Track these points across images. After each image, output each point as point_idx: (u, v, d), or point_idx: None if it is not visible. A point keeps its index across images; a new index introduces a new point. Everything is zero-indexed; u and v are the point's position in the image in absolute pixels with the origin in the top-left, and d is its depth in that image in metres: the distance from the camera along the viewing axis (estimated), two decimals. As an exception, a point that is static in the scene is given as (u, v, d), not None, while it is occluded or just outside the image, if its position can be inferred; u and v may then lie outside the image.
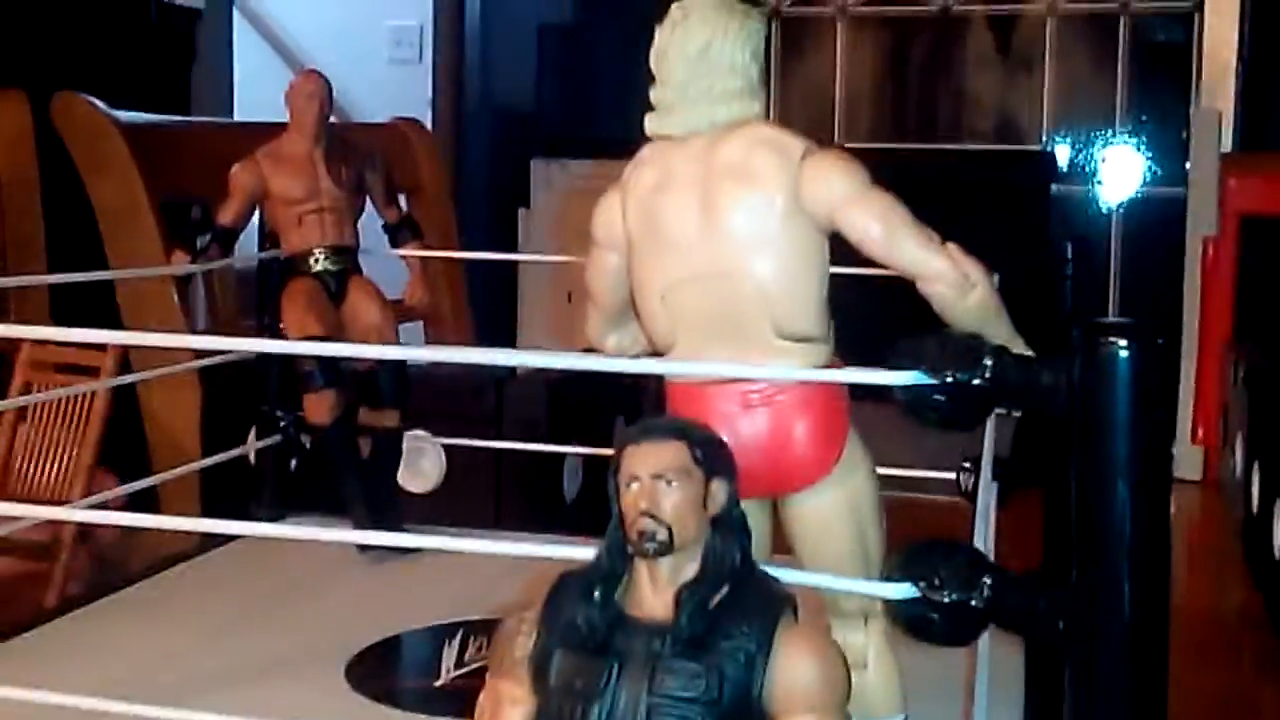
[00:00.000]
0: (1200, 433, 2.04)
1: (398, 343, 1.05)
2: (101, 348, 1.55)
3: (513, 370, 1.80)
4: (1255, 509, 1.50)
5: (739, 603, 0.40)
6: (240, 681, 0.58)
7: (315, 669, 0.78)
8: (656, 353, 0.53)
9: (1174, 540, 1.55)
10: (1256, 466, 1.52)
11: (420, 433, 1.14)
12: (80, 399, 1.57)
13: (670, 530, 0.40)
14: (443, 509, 1.24)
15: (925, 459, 0.93)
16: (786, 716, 0.39)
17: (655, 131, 0.53)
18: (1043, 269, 0.92)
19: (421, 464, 1.22)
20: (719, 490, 0.42)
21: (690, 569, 0.41)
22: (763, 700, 0.39)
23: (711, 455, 0.42)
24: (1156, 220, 2.35)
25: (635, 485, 0.40)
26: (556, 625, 0.41)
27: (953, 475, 0.96)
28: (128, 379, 1.36)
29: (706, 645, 0.39)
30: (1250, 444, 1.59)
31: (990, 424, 0.84)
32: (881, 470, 0.57)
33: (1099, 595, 0.43)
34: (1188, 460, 2.01)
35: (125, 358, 1.64)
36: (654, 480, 0.40)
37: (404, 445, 1.09)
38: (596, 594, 0.41)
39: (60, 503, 1.43)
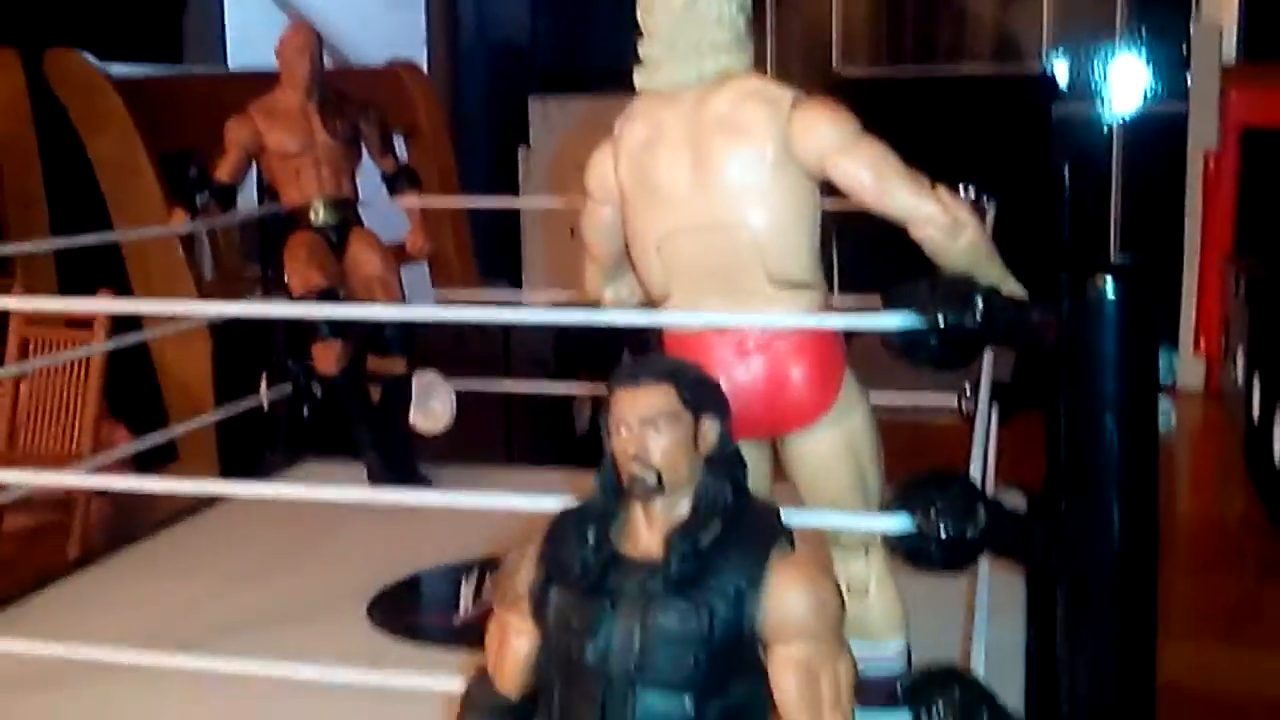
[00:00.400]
0: (1202, 344, 2.05)
1: (401, 291, 1.06)
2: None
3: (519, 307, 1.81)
4: (1256, 419, 1.52)
5: (732, 539, 0.41)
6: (263, 626, 0.60)
7: (337, 611, 0.80)
8: (653, 303, 0.54)
9: (1176, 451, 1.57)
10: (1257, 377, 1.53)
11: (430, 373, 1.15)
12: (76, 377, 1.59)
13: (660, 474, 0.41)
14: (455, 447, 1.26)
15: (928, 383, 0.94)
16: (781, 645, 0.40)
17: (644, 86, 0.54)
18: (1044, 191, 0.92)
19: (432, 404, 1.24)
20: (709, 429, 0.42)
21: (683, 507, 0.41)
22: (756, 632, 0.40)
23: (700, 395, 0.42)
24: (1158, 136, 2.33)
25: (624, 431, 0.41)
26: (554, 562, 0.42)
27: (954, 399, 0.97)
28: (134, 337, 1.37)
29: (698, 583, 0.40)
30: (1251, 355, 1.60)
31: (988, 354, 0.86)
32: (884, 396, 0.58)
33: (1089, 526, 0.45)
34: (1190, 371, 2.02)
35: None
36: (643, 426, 0.41)
37: (414, 386, 1.11)
38: (591, 534, 0.42)
39: (70, 458, 1.45)
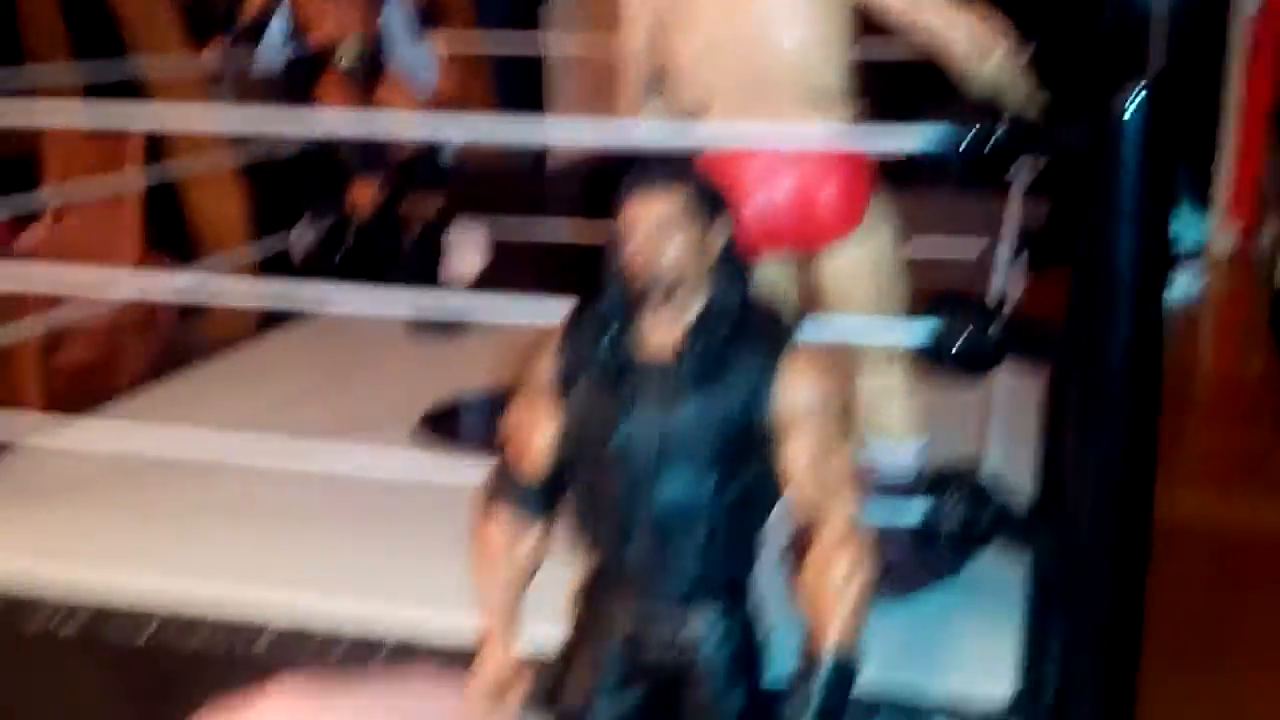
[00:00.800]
0: (1236, 208, 2.03)
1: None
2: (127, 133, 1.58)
3: (546, 159, 1.80)
4: (1282, 280, 1.52)
5: (743, 336, 0.43)
6: (316, 441, 0.64)
7: (382, 429, 0.84)
8: (690, 118, 0.55)
9: (1202, 314, 1.59)
10: (1287, 238, 1.53)
11: (464, 222, 1.17)
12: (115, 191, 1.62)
13: (672, 275, 0.42)
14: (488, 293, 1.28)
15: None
16: (792, 430, 0.43)
17: None
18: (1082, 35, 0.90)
19: (464, 252, 1.26)
20: (717, 232, 0.43)
21: (695, 305, 0.43)
22: (768, 420, 0.43)
23: (709, 198, 0.43)
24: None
25: (637, 237, 0.42)
26: (574, 360, 0.44)
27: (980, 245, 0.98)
28: (168, 169, 1.38)
29: (713, 377, 0.42)
30: (1283, 217, 1.59)
31: (1016, 191, 0.87)
32: (911, 246, 0.60)
33: (1097, 325, 0.47)
34: (1222, 236, 2.01)
35: (159, 151, 1.67)
36: (655, 232, 0.42)
37: (448, 236, 1.13)
38: (609, 335, 0.43)
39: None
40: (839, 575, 0.45)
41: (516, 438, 0.47)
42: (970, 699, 0.49)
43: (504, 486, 0.47)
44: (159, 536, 0.66)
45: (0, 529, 0.66)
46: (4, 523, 0.68)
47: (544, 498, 0.47)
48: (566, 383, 0.45)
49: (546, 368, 0.46)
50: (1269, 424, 1.35)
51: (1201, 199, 2.09)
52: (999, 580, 0.61)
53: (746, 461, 0.45)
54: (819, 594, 0.45)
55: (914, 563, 0.60)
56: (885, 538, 0.61)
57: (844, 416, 0.46)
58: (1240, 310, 1.82)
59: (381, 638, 0.55)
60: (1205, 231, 2.06)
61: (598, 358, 0.44)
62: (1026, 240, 0.90)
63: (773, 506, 0.46)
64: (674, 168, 0.45)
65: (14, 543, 0.63)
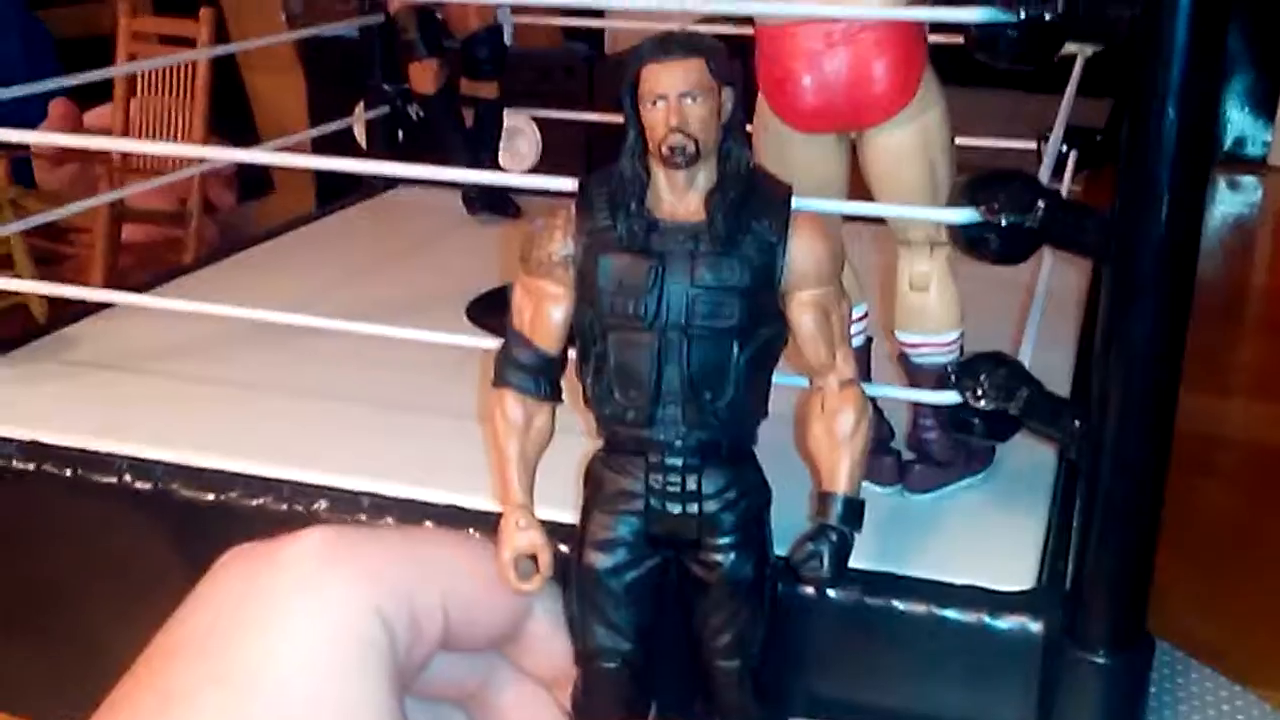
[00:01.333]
0: (1300, 119, 1.99)
1: (493, 14, 1.08)
2: (195, 19, 1.60)
3: (602, 50, 1.80)
4: (1344, 192, 1.49)
5: (754, 200, 0.45)
6: (367, 318, 0.66)
7: (437, 308, 0.87)
8: (747, -4, 0.56)
9: (1259, 227, 1.58)
10: (1352, 150, 1.50)
11: (518, 114, 1.19)
12: (184, 71, 1.64)
13: (697, 143, 0.43)
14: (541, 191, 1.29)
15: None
16: (799, 290, 0.45)
17: None
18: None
19: (518, 144, 1.27)
20: (728, 98, 0.44)
21: (705, 174, 0.44)
22: (781, 280, 0.45)
23: (722, 65, 0.44)
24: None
25: (661, 103, 0.43)
26: (593, 229, 0.44)
27: (1033, 145, 0.98)
28: (228, 49, 1.41)
29: (736, 241, 0.44)
30: (1349, 127, 1.56)
31: (1068, 97, 0.87)
32: (961, 140, 0.61)
33: (1138, 215, 0.48)
34: (1281, 147, 1.97)
35: (225, 35, 1.70)
36: (680, 98, 0.43)
37: (503, 126, 1.14)
38: (631, 204, 0.44)
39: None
40: (845, 426, 0.47)
41: (525, 314, 0.47)
42: (991, 587, 0.51)
43: (514, 363, 0.48)
44: (219, 411, 0.69)
45: (63, 401, 0.69)
46: (66, 395, 0.71)
47: (554, 374, 0.48)
48: (588, 252, 0.45)
49: (558, 242, 0.46)
50: (1319, 336, 1.35)
51: (1266, 108, 2.05)
52: (1028, 476, 0.63)
53: (761, 322, 0.46)
54: (826, 444, 0.47)
55: (945, 454, 0.62)
56: (916, 429, 0.63)
57: (840, 275, 0.48)
58: (1298, 223, 1.79)
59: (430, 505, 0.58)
60: (1265, 142, 2.02)
61: (623, 221, 0.45)
62: (1079, 137, 0.90)
63: (776, 363, 0.48)
64: (690, 35, 0.45)
65: (78, 414, 0.67)
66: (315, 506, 0.60)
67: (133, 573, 0.63)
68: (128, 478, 0.62)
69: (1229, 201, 1.82)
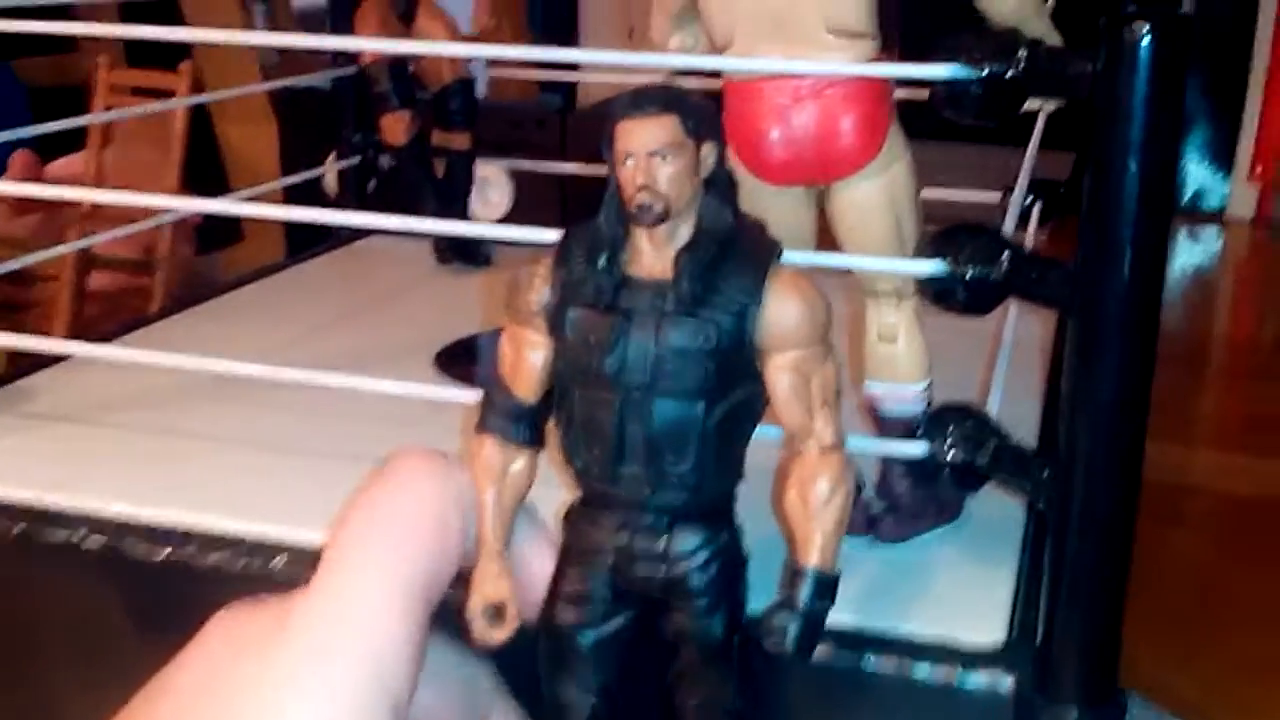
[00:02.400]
0: (1258, 170, 2.02)
1: (466, 67, 1.08)
2: (175, 72, 1.60)
3: (574, 102, 1.82)
4: (1304, 244, 1.52)
5: (732, 257, 0.43)
6: (334, 368, 0.66)
7: (405, 359, 0.87)
8: (716, 51, 0.57)
9: (1219, 277, 1.60)
10: (1310, 202, 1.53)
11: (490, 164, 1.19)
12: (160, 122, 1.64)
13: (667, 201, 0.42)
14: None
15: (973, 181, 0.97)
16: (776, 352, 0.44)
17: None
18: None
19: (490, 193, 1.28)
20: (709, 154, 0.43)
21: (686, 229, 0.44)
22: (755, 342, 0.43)
23: (701, 121, 0.43)
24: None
25: (630, 161, 0.42)
26: (568, 281, 0.44)
27: (997, 195, 0.99)
28: (204, 98, 1.41)
29: (705, 300, 0.43)
30: (1307, 180, 1.59)
31: (1032, 149, 0.88)
32: (927, 192, 0.61)
33: (1100, 268, 0.48)
34: (1242, 198, 2.01)
35: (201, 86, 1.70)
36: (649, 157, 0.42)
37: (475, 175, 1.14)
38: (602, 258, 0.43)
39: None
40: (820, 494, 0.45)
41: (507, 360, 0.47)
42: (961, 642, 0.51)
43: (495, 409, 0.47)
44: (177, 466, 0.68)
45: (17, 455, 0.68)
46: (20, 449, 0.70)
47: (535, 420, 0.47)
48: (561, 304, 0.45)
49: (538, 290, 0.46)
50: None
51: (1224, 160, 2.09)
52: (998, 527, 0.62)
53: (734, 383, 0.45)
54: (800, 513, 0.46)
55: (915, 505, 0.62)
56: (886, 479, 0.63)
57: (826, 335, 0.46)
58: (1256, 272, 1.82)
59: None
60: (1224, 194, 2.06)
61: (594, 276, 0.44)
62: (1043, 189, 0.91)
63: (756, 424, 0.47)
64: (666, 91, 0.44)
65: (32, 468, 0.65)
66: (274, 563, 0.59)
67: (87, 633, 0.61)
68: (81, 533, 0.61)
69: (1189, 252, 1.85)
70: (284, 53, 2.30)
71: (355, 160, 1.15)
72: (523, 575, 0.47)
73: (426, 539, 0.43)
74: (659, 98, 0.44)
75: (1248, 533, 0.99)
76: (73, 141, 2.02)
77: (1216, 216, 2.04)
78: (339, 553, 0.42)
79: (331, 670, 0.37)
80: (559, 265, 0.46)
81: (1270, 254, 1.82)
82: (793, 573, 0.46)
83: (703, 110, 0.45)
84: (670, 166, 0.43)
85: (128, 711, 0.37)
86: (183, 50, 1.97)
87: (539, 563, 0.47)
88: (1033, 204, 0.91)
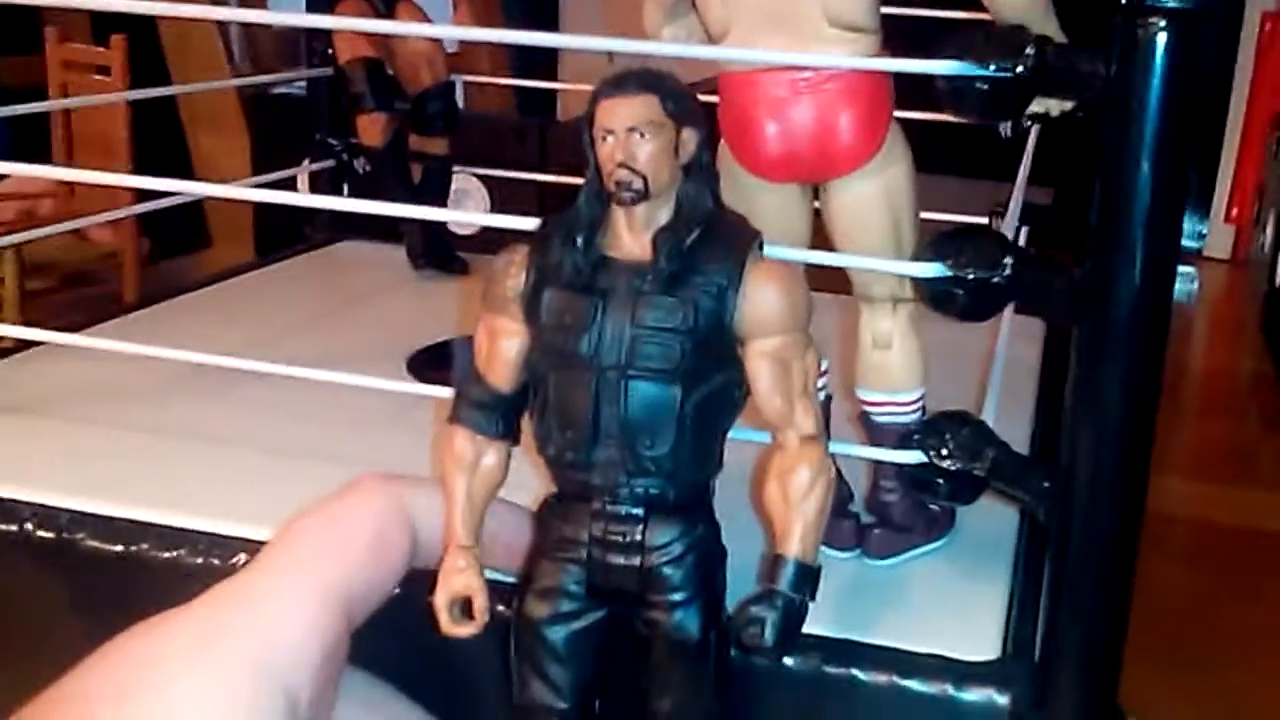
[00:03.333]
0: (1234, 212, 2.04)
1: (446, 70, 1.06)
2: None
3: (555, 116, 1.81)
4: (1279, 282, 1.53)
5: (711, 242, 0.43)
6: (313, 369, 0.63)
7: (378, 362, 0.84)
8: (712, 42, 0.55)
9: (1196, 314, 1.61)
10: (1285, 241, 1.54)
11: (467, 176, 1.17)
12: (105, 123, 1.62)
13: (645, 179, 0.42)
14: (489, 247, 1.27)
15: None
16: (756, 338, 0.43)
17: None
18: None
19: (466, 206, 1.26)
20: (689, 138, 0.43)
21: (664, 213, 0.43)
22: (734, 326, 0.42)
23: (682, 105, 0.43)
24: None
25: (610, 138, 0.42)
26: (544, 266, 0.43)
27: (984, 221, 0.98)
28: (170, 90, 1.38)
29: (683, 281, 0.42)
30: (1281, 219, 1.61)
31: (1024, 170, 0.87)
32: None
33: (1112, 271, 0.47)
34: (1218, 239, 2.03)
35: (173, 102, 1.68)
36: (628, 133, 0.42)
37: (452, 188, 1.12)
38: (580, 238, 0.43)
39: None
40: (800, 484, 0.44)
41: (482, 350, 0.46)
42: (955, 657, 0.49)
43: (468, 400, 0.46)
44: (132, 463, 0.65)
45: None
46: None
47: (509, 413, 0.46)
48: (537, 287, 0.44)
49: (512, 283, 0.45)
50: (1258, 421, 1.36)
51: (1200, 202, 2.11)
52: (991, 542, 0.61)
53: (711, 367, 0.44)
54: (780, 504, 0.45)
55: (904, 518, 0.60)
56: (875, 492, 0.61)
57: (806, 323, 0.45)
58: (1233, 311, 1.83)
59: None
60: (1201, 234, 2.08)
61: (571, 256, 0.43)
62: (1032, 214, 0.90)
63: (735, 414, 0.46)
64: (648, 72, 0.44)
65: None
66: (234, 560, 0.56)
67: (37, 628, 0.58)
68: (29, 526, 0.58)
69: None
70: (256, 63, 2.28)
71: (330, 164, 1.12)
72: (497, 529, 0.46)
73: (359, 554, 0.43)
74: (640, 77, 0.44)
75: (1226, 559, 0.98)
76: (38, 146, 1.98)
77: (1195, 256, 2.06)
78: (266, 553, 0.43)
79: (223, 647, 0.37)
80: (536, 250, 0.45)
81: (1245, 292, 1.83)
82: (772, 562, 0.45)
83: (684, 95, 0.44)
84: (649, 144, 0.43)
85: (44, 694, 0.37)
86: (158, 62, 1.95)
87: (514, 519, 0.47)
88: (1020, 228, 0.90)
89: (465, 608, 0.44)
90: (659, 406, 0.43)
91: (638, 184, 0.43)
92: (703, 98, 0.60)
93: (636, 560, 0.44)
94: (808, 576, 0.44)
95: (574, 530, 0.44)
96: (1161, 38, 0.44)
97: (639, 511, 0.44)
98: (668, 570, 0.44)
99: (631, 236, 0.44)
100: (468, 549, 0.45)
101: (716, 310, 0.43)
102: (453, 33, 1.03)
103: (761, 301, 0.44)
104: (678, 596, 0.44)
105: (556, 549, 0.45)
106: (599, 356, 0.43)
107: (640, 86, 0.43)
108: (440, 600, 0.44)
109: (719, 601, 0.45)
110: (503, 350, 0.45)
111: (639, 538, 0.44)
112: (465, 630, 0.44)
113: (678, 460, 0.44)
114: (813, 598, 0.45)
